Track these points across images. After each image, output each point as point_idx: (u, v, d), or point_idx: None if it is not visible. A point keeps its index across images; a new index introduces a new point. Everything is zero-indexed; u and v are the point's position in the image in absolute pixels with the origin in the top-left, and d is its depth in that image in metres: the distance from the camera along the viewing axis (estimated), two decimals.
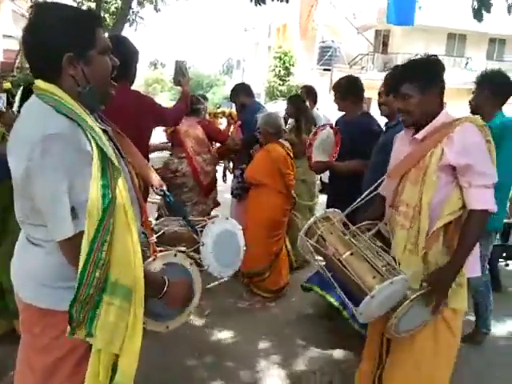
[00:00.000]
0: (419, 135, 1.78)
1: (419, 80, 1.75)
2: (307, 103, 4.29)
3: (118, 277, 1.15)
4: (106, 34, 1.35)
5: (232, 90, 4.24)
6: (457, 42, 21.06)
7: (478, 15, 4.12)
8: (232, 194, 4.07)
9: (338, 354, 2.84)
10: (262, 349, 2.85)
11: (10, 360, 2.39)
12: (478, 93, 2.77)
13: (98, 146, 1.13)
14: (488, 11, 4.14)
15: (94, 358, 1.20)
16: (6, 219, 2.41)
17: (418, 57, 1.82)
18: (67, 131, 1.11)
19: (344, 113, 3.28)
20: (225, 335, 2.99)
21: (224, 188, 5.42)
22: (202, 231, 1.69)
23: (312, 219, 1.87)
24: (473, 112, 2.75)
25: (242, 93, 4.13)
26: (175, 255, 1.47)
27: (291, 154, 3.50)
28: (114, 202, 1.13)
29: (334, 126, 3.25)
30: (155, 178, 1.72)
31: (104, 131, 1.26)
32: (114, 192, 1.13)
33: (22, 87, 2.74)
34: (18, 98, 2.67)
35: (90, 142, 1.13)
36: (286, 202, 3.50)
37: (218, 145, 4.38)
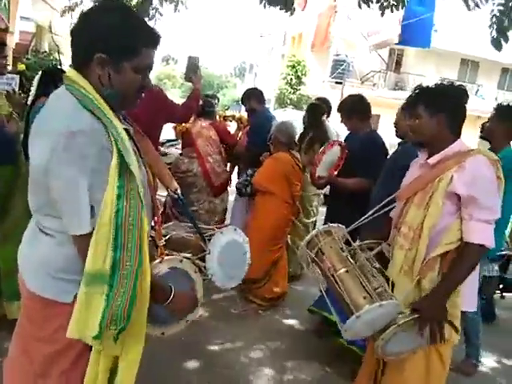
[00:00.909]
0: (432, 160, 1.80)
1: (431, 104, 1.78)
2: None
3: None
4: None
5: (244, 93, 4.22)
6: (469, 68, 21.16)
7: (496, 44, 4.15)
8: (237, 190, 4.03)
9: (326, 370, 2.82)
10: (252, 357, 2.84)
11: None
12: (496, 123, 2.75)
13: (117, 147, 1.14)
14: (506, 41, 4.18)
15: (93, 359, 1.21)
16: (9, 201, 2.41)
17: (444, 82, 1.85)
18: (91, 128, 1.12)
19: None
20: (216, 340, 2.97)
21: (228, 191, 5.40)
22: (209, 240, 1.68)
23: (314, 231, 1.88)
24: (483, 137, 2.77)
25: (253, 98, 4.11)
26: (181, 261, 1.48)
27: (300, 165, 3.50)
28: (128, 203, 1.14)
29: (342, 142, 3.24)
30: (171, 181, 1.72)
31: (126, 130, 1.26)
32: (128, 193, 1.14)
33: (40, 72, 2.73)
34: (35, 83, 2.66)
35: (111, 142, 1.14)
36: (290, 212, 3.50)
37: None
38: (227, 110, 6.93)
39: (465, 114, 1.83)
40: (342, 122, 3.26)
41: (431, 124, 1.78)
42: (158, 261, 1.41)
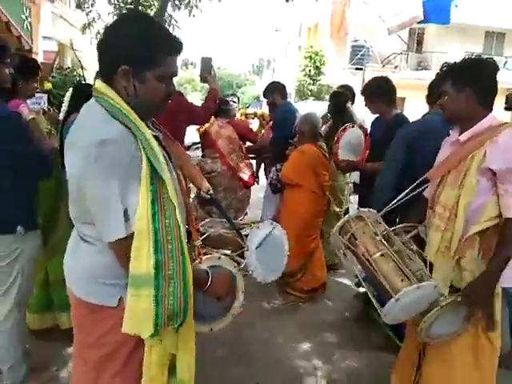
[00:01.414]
0: (462, 137, 1.76)
1: (457, 79, 1.75)
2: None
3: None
4: None
5: (266, 88, 4.21)
6: (495, 40, 20.37)
7: None
8: (270, 185, 4.05)
9: (375, 357, 2.81)
10: (296, 350, 2.85)
11: (52, 356, 2.50)
12: None
13: (146, 154, 1.17)
14: None
15: (147, 354, 1.26)
16: (55, 214, 2.52)
17: (472, 56, 1.80)
18: (121, 137, 1.16)
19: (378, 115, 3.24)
20: (257, 336, 3.00)
21: (255, 188, 5.43)
22: (246, 235, 1.70)
23: (346, 217, 1.88)
24: (508, 108, 2.67)
25: (276, 92, 4.11)
26: (219, 258, 1.50)
27: (326, 155, 3.49)
28: (163, 207, 1.17)
29: (362, 125, 3.23)
30: (203, 182, 1.75)
31: (155, 137, 1.30)
32: (161, 198, 1.17)
33: (71, 89, 2.84)
34: (67, 99, 2.76)
35: (140, 150, 1.17)
36: (320, 203, 3.49)
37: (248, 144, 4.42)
38: (248, 107, 6.94)
39: (495, 87, 1.77)
40: (365, 105, 3.20)
41: (459, 100, 1.74)
42: (197, 261, 1.44)
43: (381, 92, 3.08)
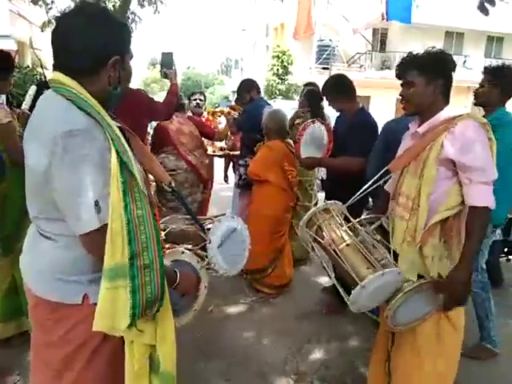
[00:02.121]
0: (421, 129, 1.80)
1: (426, 70, 1.75)
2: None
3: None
4: None
5: (242, 86, 4.11)
6: (455, 40, 21.09)
7: (483, 9, 4.15)
8: (238, 184, 4.05)
9: (344, 348, 2.86)
10: (267, 345, 2.86)
11: (15, 361, 2.42)
12: (488, 87, 2.64)
13: (115, 146, 1.15)
14: (493, 5, 4.17)
15: (128, 350, 1.25)
16: (23, 220, 2.38)
17: (431, 49, 1.80)
18: (88, 127, 1.13)
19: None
20: (228, 332, 3.00)
21: (224, 187, 5.42)
22: (208, 229, 1.71)
23: (312, 210, 1.89)
24: (478, 104, 2.70)
25: (253, 88, 4.08)
26: (183, 253, 1.50)
27: (294, 151, 3.51)
28: (134, 198, 1.17)
29: (324, 121, 3.27)
30: (164, 175, 1.72)
31: (120, 129, 1.28)
32: (132, 189, 1.17)
33: (33, 87, 2.72)
34: (29, 98, 2.65)
35: (108, 141, 1.15)
36: (288, 199, 3.51)
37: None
38: (217, 107, 6.93)
39: (452, 79, 1.81)
40: (329, 104, 3.25)
41: (428, 92, 1.76)
42: None
43: (339, 89, 3.13)
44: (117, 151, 1.14)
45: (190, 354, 2.68)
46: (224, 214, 1.81)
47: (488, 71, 2.69)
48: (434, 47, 1.82)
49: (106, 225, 1.13)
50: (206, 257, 1.64)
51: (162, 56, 2.84)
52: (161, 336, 1.28)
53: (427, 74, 1.75)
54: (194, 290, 1.53)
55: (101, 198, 1.14)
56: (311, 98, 3.96)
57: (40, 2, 7.88)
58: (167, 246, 1.51)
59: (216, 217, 1.79)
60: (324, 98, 3.29)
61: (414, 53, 1.83)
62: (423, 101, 1.78)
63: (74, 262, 1.22)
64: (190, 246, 1.62)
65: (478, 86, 2.74)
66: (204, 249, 1.65)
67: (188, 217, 1.80)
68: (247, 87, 4.07)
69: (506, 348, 2.79)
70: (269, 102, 4.66)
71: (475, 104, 2.73)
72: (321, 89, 3.33)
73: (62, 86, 1.18)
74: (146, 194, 1.23)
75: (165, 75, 2.82)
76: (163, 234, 1.53)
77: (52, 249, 1.24)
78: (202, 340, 2.86)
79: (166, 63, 2.79)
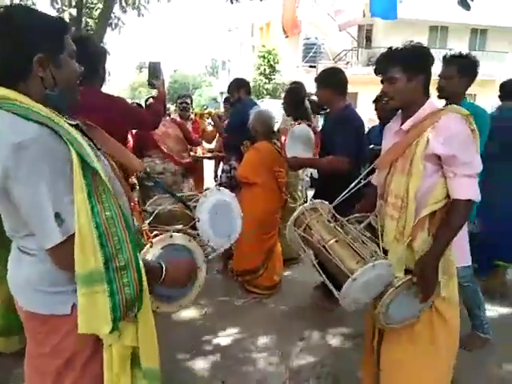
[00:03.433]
0: (405, 126, 1.79)
1: (408, 65, 1.73)
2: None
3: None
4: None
5: (231, 84, 4.23)
6: (439, 33, 21.25)
7: (464, 4, 4.17)
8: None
9: (338, 345, 2.86)
10: (261, 345, 2.86)
11: (9, 373, 2.39)
12: (457, 78, 2.57)
13: (74, 149, 1.11)
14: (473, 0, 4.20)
15: (106, 354, 1.23)
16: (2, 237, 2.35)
17: (411, 44, 1.78)
18: (39, 136, 1.08)
19: (328, 109, 3.24)
20: (223, 334, 2.99)
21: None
22: (195, 207, 1.66)
23: (300, 209, 1.88)
24: (443, 97, 2.64)
25: (242, 88, 4.17)
26: (171, 236, 1.44)
27: (281, 152, 3.50)
28: (101, 199, 1.13)
29: (310, 123, 3.22)
30: (136, 162, 1.60)
31: (75, 126, 1.24)
32: (97, 189, 1.13)
33: None
34: None
35: (66, 145, 1.11)
36: (278, 200, 3.51)
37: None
38: (206, 109, 6.95)
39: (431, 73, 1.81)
40: (315, 94, 3.20)
41: (410, 87, 1.75)
42: (147, 246, 1.39)
43: (331, 80, 3.06)
44: (77, 153, 1.10)
45: (184, 355, 2.68)
46: (208, 188, 1.77)
47: (454, 62, 2.61)
48: (412, 41, 1.81)
49: (73, 235, 1.10)
50: (198, 235, 1.60)
51: (149, 65, 2.82)
52: (142, 335, 1.26)
53: (409, 70, 1.73)
54: (190, 276, 1.45)
55: (62, 209, 1.10)
56: (291, 96, 3.90)
57: None
58: (155, 232, 1.46)
59: (201, 192, 1.73)
60: (315, 84, 3.17)
61: (393, 48, 1.81)
62: (406, 96, 1.77)
63: (56, 273, 1.19)
64: (180, 226, 1.57)
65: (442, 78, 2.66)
66: (194, 227, 1.61)
67: (185, 193, 1.77)
68: (237, 85, 4.17)
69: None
70: (256, 101, 4.69)
71: (439, 97, 2.69)
72: (315, 77, 3.22)
73: (3, 101, 1.12)
74: (114, 190, 1.19)
75: (152, 85, 2.79)
76: (148, 220, 1.48)
77: (33, 264, 1.22)
78: (197, 341, 2.85)
79: (153, 72, 2.76)
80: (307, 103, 3.83)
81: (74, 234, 1.10)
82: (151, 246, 1.39)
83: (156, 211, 1.59)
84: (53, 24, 1.21)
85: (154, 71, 2.76)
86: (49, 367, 1.28)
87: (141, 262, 1.19)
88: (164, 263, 1.33)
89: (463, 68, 2.59)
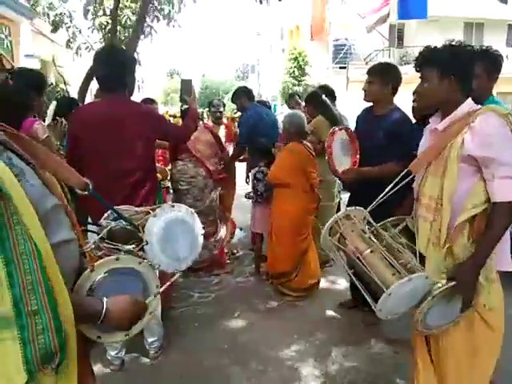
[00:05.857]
0: (440, 126, 1.74)
1: (439, 65, 1.70)
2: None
3: None
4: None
5: (233, 94, 4.51)
6: (474, 30, 20.62)
7: None
8: (248, 196, 4.13)
9: (374, 350, 2.82)
10: (294, 349, 2.85)
11: None
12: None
13: None
14: None
15: None
16: None
17: (449, 43, 1.74)
18: None
19: (368, 106, 3.00)
20: (255, 336, 3.00)
21: (246, 189, 5.45)
22: (143, 227, 1.45)
23: (333, 218, 1.86)
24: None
25: (242, 96, 4.38)
26: (117, 259, 1.25)
27: (313, 153, 3.50)
28: (13, 231, 0.96)
29: (346, 127, 3.02)
30: (74, 178, 1.35)
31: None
32: (10, 220, 0.96)
33: (54, 102, 2.84)
34: (50, 113, 2.76)
35: None
36: (310, 201, 3.50)
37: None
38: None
39: (473, 72, 1.76)
40: (366, 87, 2.91)
41: (441, 88, 1.71)
42: (87, 271, 1.18)
43: (390, 75, 2.85)
44: None
45: (216, 359, 2.71)
46: (160, 206, 1.54)
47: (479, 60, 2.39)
48: (452, 40, 1.77)
49: None
50: (144, 259, 1.37)
51: (181, 83, 2.93)
52: None
53: (441, 70, 1.70)
54: (137, 319, 1.23)
55: None
56: (310, 100, 4.13)
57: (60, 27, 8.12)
58: (101, 252, 1.30)
59: (154, 209, 1.50)
60: (369, 76, 2.92)
61: (432, 46, 1.78)
62: (435, 96, 1.74)
63: None
64: (131, 247, 1.38)
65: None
66: (144, 250, 1.42)
67: (137, 209, 1.56)
68: (236, 96, 4.45)
69: None
70: (286, 104, 4.89)
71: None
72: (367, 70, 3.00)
73: None
74: (37, 217, 1.00)
75: (184, 101, 2.89)
76: (98, 237, 1.32)
77: None
78: (229, 345, 2.88)
79: (185, 90, 2.85)
80: (328, 102, 3.89)
81: None
82: (92, 271, 1.19)
83: (107, 228, 1.40)
84: None
85: (186, 88, 2.86)
86: None
87: (66, 307, 1.02)
88: (106, 302, 1.14)
89: (488, 65, 2.46)
